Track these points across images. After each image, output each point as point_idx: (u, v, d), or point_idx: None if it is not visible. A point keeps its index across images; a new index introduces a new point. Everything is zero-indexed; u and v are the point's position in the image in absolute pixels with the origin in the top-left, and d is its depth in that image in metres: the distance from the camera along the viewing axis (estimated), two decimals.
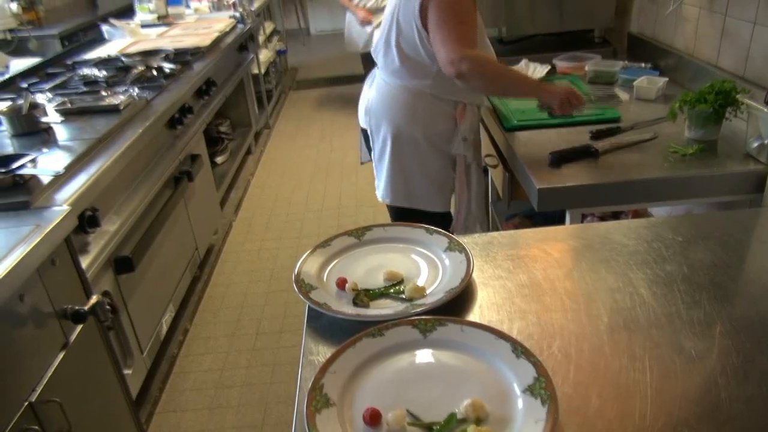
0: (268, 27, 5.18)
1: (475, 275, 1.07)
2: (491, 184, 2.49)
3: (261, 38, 4.73)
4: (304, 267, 1.08)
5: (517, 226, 2.28)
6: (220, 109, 3.81)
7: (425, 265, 1.09)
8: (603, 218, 2.18)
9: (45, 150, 1.82)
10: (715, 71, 1.93)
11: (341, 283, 1.04)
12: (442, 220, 1.92)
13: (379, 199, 2.02)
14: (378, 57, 1.89)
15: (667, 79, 2.06)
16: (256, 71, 4.46)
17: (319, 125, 4.76)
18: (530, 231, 1.23)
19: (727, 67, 1.92)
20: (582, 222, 2.16)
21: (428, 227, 1.17)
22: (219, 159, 3.61)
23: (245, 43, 3.94)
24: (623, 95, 2.11)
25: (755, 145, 1.55)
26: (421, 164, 1.88)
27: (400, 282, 1.04)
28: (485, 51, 1.77)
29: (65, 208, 1.47)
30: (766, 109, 1.48)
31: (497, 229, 2.57)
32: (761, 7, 1.72)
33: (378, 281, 1.05)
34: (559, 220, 1.69)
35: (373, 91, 1.94)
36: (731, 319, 0.92)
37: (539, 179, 1.56)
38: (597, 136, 1.76)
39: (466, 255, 1.06)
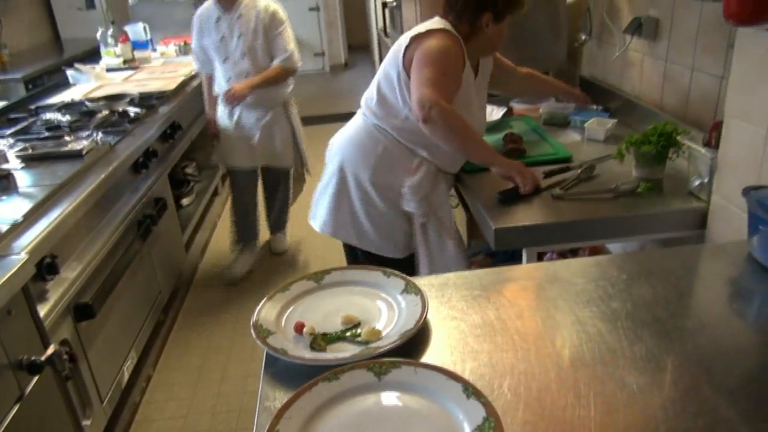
0: None
1: (431, 316, 1.10)
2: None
3: None
4: (263, 312, 1.10)
5: (479, 264, 2.33)
6: (186, 151, 3.82)
7: (382, 308, 1.12)
8: (562, 254, 2.25)
9: (4, 197, 1.81)
10: (660, 113, 2.04)
11: (299, 328, 1.05)
12: (404, 264, 1.89)
13: (318, 230, 2.00)
14: (363, 104, 1.93)
15: (616, 120, 2.17)
16: None
17: None
18: (484, 272, 1.27)
19: (670, 109, 2.03)
20: (541, 259, 2.22)
21: (386, 270, 1.20)
22: (185, 201, 3.60)
23: None
24: (575, 136, 2.20)
25: (696, 183, 1.64)
26: (365, 207, 1.89)
27: (357, 325, 1.06)
28: (466, 113, 1.76)
29: (23, 256, 1.46)
30: (703, 151, 1.57)
31: None
32: (697, 54, 1.84)
33: (336, 325, 1.07)
34: (519, 257, 1.74)
35: (343, 128, 1.98)
36: (671, 353, 0.97)
37: (495, 219, 1.61)
38: (550, 174, 1.83)
39: (422, 297, 1.09)
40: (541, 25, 2.60)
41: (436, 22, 1.76)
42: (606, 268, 1.23)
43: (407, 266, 1.87)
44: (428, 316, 1.08)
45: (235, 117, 3.02)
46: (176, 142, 3.05)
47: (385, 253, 1.91)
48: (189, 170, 3.87)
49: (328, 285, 1.18)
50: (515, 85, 2.18)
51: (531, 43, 2.64)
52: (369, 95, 1.90)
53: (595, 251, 2.20)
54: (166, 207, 2.73)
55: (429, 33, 1.71)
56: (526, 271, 1.30)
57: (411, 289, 1.13)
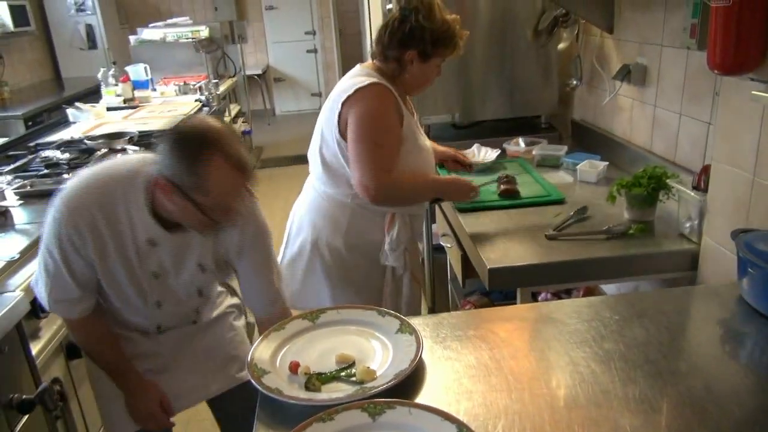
0: (234, 108, 5.33)
1: (426, 356, 1.11)
2: (449, 262, 2.56)
3: (226, 119, 4.85)
4: (258, 351, 1.10)
5: (474, 304, 2.33)
6: None
7: (377, 348, 1.12)
8: (556, 294, 2.26)
9: (1, 234, 1.81)
10: (650, 156, 2.08)
11: (294, 367, 1.06)
12: None
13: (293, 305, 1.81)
14: (310, 161, 1.90)
15: (607, 163, 2.21)
16: None
17: (283, 203, 4.81)
18: (478, 311, 1.28)
19: (659, 153, 2.08)
20: (536, 298, 2.24)
21: (380, 309, 1.21)
22: None
23: None
24: (568, 178, 2.24)
25: (687, 225, 1.67)
26: (342, 274, 1.85)
27: (352, 365, 1.07)
28: (419, 151, 1.80)
29: (18, 294, 1.46)
30: (692, 194, 1.61)
31: (456, 307, 2.62)
32: (684, 100, 1.90)
33: (331, 364, 1.08)
34: (514, 296, 1.75)
35: (302, 194, 1.95)
36: (664, 395, 0.98)
37: (489, 259, 1.63)
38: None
39: (416, 337, 1.10)
40: (532, 70, 2.68)
41: (361, 75, 1.74)
42: (599, 309, 1.25)
43: None
44: (423, 356, 1.09)
45: None
46: None
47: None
48: None
49: (323, 324, 1.19)
50: None
51: (522, 88, 2.72)
52: (314, 166, 1.87)
53: (589, 292, 2.21)
54: None
55: (357, 94, 1.67)
56: (519, 311, 1.31)
57: (406, 328, 1.14)
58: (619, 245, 1.68)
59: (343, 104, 1.70)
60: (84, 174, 1.31)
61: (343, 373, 1.04)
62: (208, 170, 1.10)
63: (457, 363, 1.09)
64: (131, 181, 1.26)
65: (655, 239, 1.71)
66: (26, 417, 1.41)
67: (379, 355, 1.10)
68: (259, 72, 7.48)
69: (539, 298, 2.25)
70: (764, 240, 1.22)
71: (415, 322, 1.18)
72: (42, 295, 1.37)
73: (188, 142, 1.10)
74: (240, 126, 5.37)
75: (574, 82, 2.62)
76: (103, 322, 1.44)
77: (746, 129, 1.36)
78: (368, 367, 1.04)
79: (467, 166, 2.14)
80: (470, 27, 2.65)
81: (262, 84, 7.71)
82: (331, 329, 1.18)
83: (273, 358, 1.10)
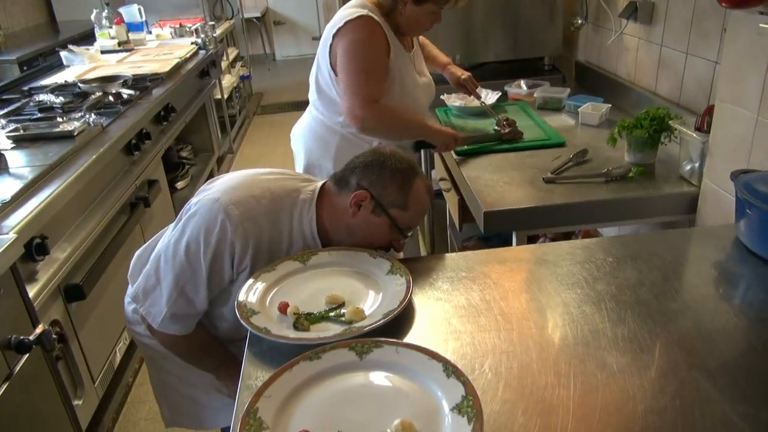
0: (232, 53, 5.21)
1: (416, 296, 1.10)
2: (447, 208, 2.54)
3: (224, 64, 4.75)
4: (248, 292, 1.10)
5: (472, 248, 2.33)
6: (182, 134, 3.80)
7: (367, 288, 1.12)
8: (555, 238, 2.25)
9: None
10: (654, 98, 2.03)
11: (283, 308, 1.05)
12: None
13: None
14: (309, 88, 1.96)
15: (610, 105, 2.16)
16: (219, 96, 4.47)
17: (283, 149, 4.77)
18: (471, 253, 1.27)
19: (664, 94, 2.02)
20: (535, 242, 2.23)
21: (372, 251, 1.20)
22: (180, 184, 3.59)
23: (207, 69, 3.95)
24: (569, 121, 2.19)
25: (687, 168, 1.64)
26: None
27: (341, 305, 1.07)
28: (410, 88, 1.84)
29: (11, 236, 1.46)
30: (695, 135, 1.56)
31: (455, 252, 2.62)
32: (692, 38, 1.83)
33: (320, 305, 1.07)
34: (511, 242, 1.74)
35: (301, 118, 2.03)
36: (653, 335, 0.97)
37: (485, 203, 1.61)
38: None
39: (407, 278, 1.09)
40: (536, 10, 2.59)
41: (354, 7, 1.77)
42: (593, 251, 1.23)
43: None
44: (413, 297, 1.09)
45: None
46: (170, 124, 3.03)
47: None
48: (184, 153, 3.86)
49: (314, 266, 1.18)
50: None
51: (526, 28, 2.63)
52: (311, 93, 1.94)
53: (587, 236, 2.20)
54: (160, 189, 2.73)
55: (347, 26, 1.72)
56: (513, 253, 1.30)
57: (396, 269, 1.13)
58: (618, 188, 1.65)
59: (333, 36, 1.76)
60: (239, 186, 1.21)
61: (332, 313, 1.04)
62: (412, 189, 1.22)
63: (447, 304, 1.08)
64: (297, 194, 1.24)
65: (655, 182, 1.68)
66: (25, 357, 1.43)
67: (370, 295, 1.10)
68: (258, 15, 7.27)
69: (538, 241, 2.25)
70: (764, 181, 1.19)
71: (406, 263, 1.17)
72: (152, 311, 1.23)
73: (400, 165, 1.22)
74: (238, 70, 5.26)
75: (579, 21, 2.53)
76: (205, 331, 1.32)
77: (753, 67, 1.31)
78: (357, 307, 1.04)
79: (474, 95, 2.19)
80: None
81: (262, 27, 7.51)
82: (321, 270, 1.17)
83: (263, 299, 1.10)
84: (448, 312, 1.06)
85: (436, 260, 1.24)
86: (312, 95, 1.96)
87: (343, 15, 1.77)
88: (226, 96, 4.67)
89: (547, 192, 1.66)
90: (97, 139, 2.24)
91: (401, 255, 1.88)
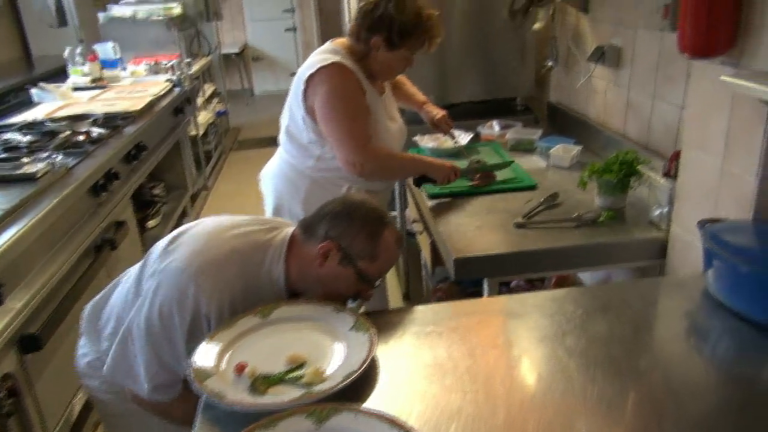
0: (209, 89, 5.20)
1: (380, 353, 1.06)
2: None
3: (200, 100, 4.73)
4: (204, 351, 1.05)
5: (444, 292, 2.30)
6: (154, 172, 3.74)
7: (330, 346, 1.07)
8: (530, 281, 2.23)
9: None
10: (623, 141, 2.04)
11: (240, 369, 1.01)
12: None
13: None
14: (280, 131, 1.95)
15: (581, 147, 2.17)
16: (194, 133, 4.44)
17: (258, 186, 4.74)
18: (440, 306, 1.24)
19: (633, 137, 2.04)
20: (509, 285, 2.21)
21: (336, 305, 1.16)
22: (150, 223, 3.52)
23: (181, 106, 3.92)
24: (541, 163, 2.20)
25: (657, 213, 1.63)
26: None
27: (302, 365, 1.02)
28: (382, 134, 1.82)
29: None
30: (662, 181, 1.57)
31: (429, 292, 2.59)
32: (658, 82, 1.85)
33: (280, 364, 1.03)
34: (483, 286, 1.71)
35: (270, 161, 2.02)
36: (623, 395, 0.94)
37: (456, 248, 1.59)
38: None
39: (370, 336, 1.05)
40: (508, 52, 2.62)
41: (327, 53, 1.76)
42: (562, 303, 1.21)
43: None
44: (377, 355, 1.05)
45: None
46: (141, 163, 2.98)
47: None
48: (156, 191, 3.80)
49: (275, 321, 1.14)
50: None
51: (499, 69, 2.66)
52: (281, 136, 1.93)
53: (561, 279, 2.18)
54: (128, 231, 2.66)
55: (320, 72, 1.70)
56: (481, 305, 1.27)
57: (360, 326, 1.09)
58: (589, 233, 1.64)
59: (306, 81, 1.75)
60: (203, 250, 1.16)
61: (291, 375, 0.99)
62: (380, 241, 1.19)
63: (413, 362, 1.05)
64: (266, 247, 1.20)
65: (625, 227, 1.67)
66: None
67: (332, 354, 1.05)
68: (237, 51, 7.31)
69: (511, 285, 2.22)
70: (731, 231, 1.18)
71: (373, 317, 1.13)
72: (135, 387, 1.19)
73: (369, 216, 1.20)
74: (215, 107, 5.24)
75: (550, 64, 2.56)
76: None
77: (716, 115, 1.32)
78: (318, 369, 0.99)
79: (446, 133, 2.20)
80: (445, 7, 2.60)
81: (240, 63, 7.54)
82: (283, 326, 1.13)
83: (220, 359, 1.05)
84: (412, 371, 1.02)
85: (403, 313, 1.20)
86: (282, 138, 1.94)
87: (315, 61, 1.76)
88: (201, 132, 4.64)
89: (518, 237, 1.64)
90: (62, 181, 2.19)
91: (364, 308, 1.86)
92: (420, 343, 1.10)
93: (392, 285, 3.13)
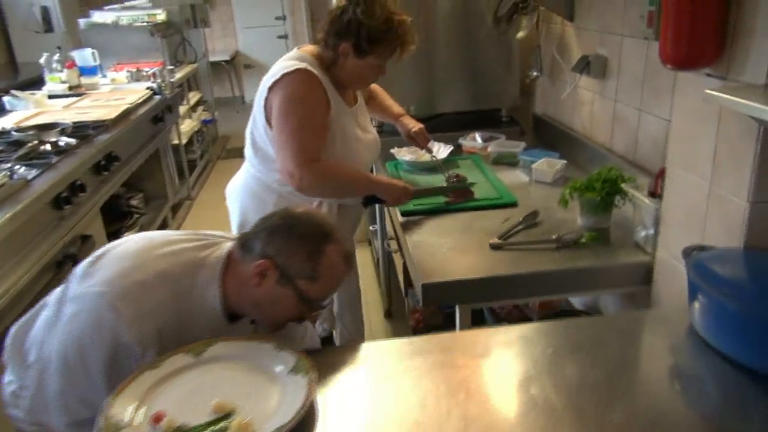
0: (194, 97, 5.09)
1: (321, 400, 0.94)
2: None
3: (184, 108, 4.63)
4: (121, 396, 0.93)
5: (422, 313, 2.18)
6: (133, 182, 3.63)
7: (265, 391, 0.95)
8: (516, 305, 2.11)
9: None
10: (609, 155, 1.93)
11: (157, 419, 0.89)
12: None
13: None
14: (245, 143, 1.86)
15: (565, 162, 2.05)
16: (177, 141, 4.33)
17: None
18: (390, 343, 1.12)
19: (619, 152, 1.92)
20: (493, 308, 2.09)
21: (278, 343, 1.04)
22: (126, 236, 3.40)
23: (161, 115, 3.82)
24: (524, 177, 2.08)
25: (642, 234, 1.52)
26: None
27: (228, 415, 0.90)
28: (351, 145, 1.72)
29: None
30: (647, 201, 1.45)
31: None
32: (644, 94, 1.74)
33: (204, 413, 0.91)
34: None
35: (236, 175, 1.92)
36: None
37: (425, 272, 1.47)
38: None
39: (309, 380, 0.93)
40: (493, 61, 2.51)
41: (292, 59, 1.68)
42: (532, 341, 1.09)
43: None
44: (317, 400, 0.93)
45: None
46: (112, 174, 2.87)
47: None
48: (134, 202, 3.68)
49: (208, 360, 1.02)
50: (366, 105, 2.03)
51: (482, 79, 2.55)
52: (246, 148, 1.83)
53: (547, 300, 2.06)
54: (95, 244, 2.54)
55: (283, 79, 1.62)
56: (443, 342, 1.15)
57: (300, 368, 0.97)
58: (569, 256, 1.52)
59: (269, 89, 1.65)
60: (127, 272, 1.05)
61: (212, 428, 0.87)
62: (323, 258, 1.07)
63: (353, 413, 0.93)
64: (199, 268, 1.08)
65: (609, 249, 1.56)
66: None
67: (265, 401, 0.93)
68: (227, 58, 7.21)
69: (495, 307, 2.10)
70: (718, 260, 1.07)
71: (318, 357, 1.01)
72: (52, 419, 1.08)
73: (310, 230, 1.09)
74: (200, 115, 5.13)
75: (535, 74, 2.45)
76: None
77: (702, 131, 1.21)
78: (244, 421, 0.87)
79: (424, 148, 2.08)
80: (428, 14, 2.49)
81: (231, 70, 7.44)
82: (216, 366, 1.01)
83: (140, 405, 0.92)
84: (351, 426, 0.90)
85: (353, 352, 1.08)
86: (248, 151, 1.83)
87: (280, 67, 1.66)
88: (185, 141, 4.52)
89: (493, 260, 1.52)
90: (19, 194, 2.07)
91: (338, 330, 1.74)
92: (367, 387, 0.98)
93: (374, 301, 3.02)
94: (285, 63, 1.67)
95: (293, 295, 1.06)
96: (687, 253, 1.11)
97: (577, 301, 2.09)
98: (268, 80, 1.67)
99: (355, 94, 1.85)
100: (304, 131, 1.61)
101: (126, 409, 0.91)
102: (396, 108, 2.12)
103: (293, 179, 1.60)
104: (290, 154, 1.60)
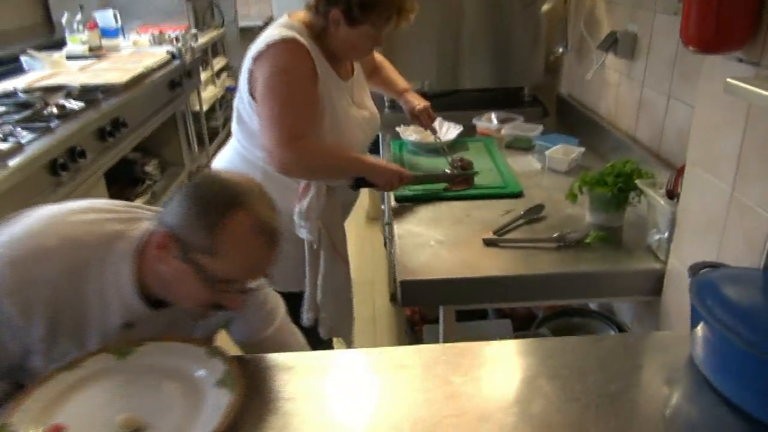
0: (218, 62, 4.99)
1: (249, 417, 0.83)
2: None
3: (206, 74, 4.54)
4: (25, 404, 0.83)
5: (414, 310, 2.04)
6: (150, 148, 3.58)
7: (183, 406, 0.85)
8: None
9: None
10: (633, 145, 1.73)
11: None
12: (296, 301, 1.64)
13: None
14: (232, 116, 1.73)
15: (583, 150, 1.86)
16: (198, 108, 4.26)
17: None
18: (360, 353, 0.99)
19: (643, 141, 1.72)
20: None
21: (212, 348, 0.93)
22: (137, 202, 3.36)
23: (179, 80, 3.73)
24: (536, 165, 1.91)
25: (655, 238, 1.34)
26: None
27: None
28: (342, 123, 1.58)
29: None
30: (662, 202, 1.27)
31: None
32: (675, 79, 1.53)
33: (111, 429, 0.80)
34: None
35: (222, 150, 1.78)
36: None
37: (405, 269, 1.33)
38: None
39: (233, 397, 0.82)
40: (517, 35, 2.31)
41: (280, 27, 1.53)
42: (507, 362, 0.95)
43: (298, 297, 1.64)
44: (242, 419, 0.81)
45: None
46: (118, 141, 2.80)
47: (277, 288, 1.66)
48: (149, 168, 3.64)
49: (131, 364, 0.91)
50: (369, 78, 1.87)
51: (504, 55, 2.36)
52: (232, 121, 1.70)
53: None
54: None
55: (268, 50, 1.47)
56: (415, 356, 1.00)
57: (227, 382, 0.86)
58: (571, 257, 1.37)
59: (254, 60, 1.51)
60: (34, 233, 0.95)
61: None
62: (225, 229, 0.91)
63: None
64: (111, 246, 0.96)
65: (618, 252, 1.39)
66: None
67: (179, 419, 0.82)
68: (260, 23, 7.07)
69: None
70: (731, 283, 0.89)
71: (257, 365, 0.90)
72: None
73: (215, 197, 0.93)
74: (224, 81, 5.04)
75: (560, 50, 2.24)
76: None
77: (727, 127, 1.02)
78: None
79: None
80: None
81: None
82: (137, 373, 0.90)
83: (45, 413, 0.83)
84: None
85: (299, 359, 0.96)
86: (234, 125, 1.71)
87: (265, 36, 1.52)
88: (206, 108, 4.44)
89: (484, 258, 1.37)
90: (11, 158, 2.01)
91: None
92: (305, 404, 0.86)
93: (382, 283, 2.91)
94: (271, 32, 1.53)
95: (193, 272, 0.92)
96: (694, 270, 0.94)
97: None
98: (252, 50, 1.53)
99: (353, 66, 1.69)
100: (288, 108, 1.47)
101: (32, 413, 0.81)
102: (401, 83, 1.95)
103: (275, 160, 1.48)
104: (272, 134, 1.47)
